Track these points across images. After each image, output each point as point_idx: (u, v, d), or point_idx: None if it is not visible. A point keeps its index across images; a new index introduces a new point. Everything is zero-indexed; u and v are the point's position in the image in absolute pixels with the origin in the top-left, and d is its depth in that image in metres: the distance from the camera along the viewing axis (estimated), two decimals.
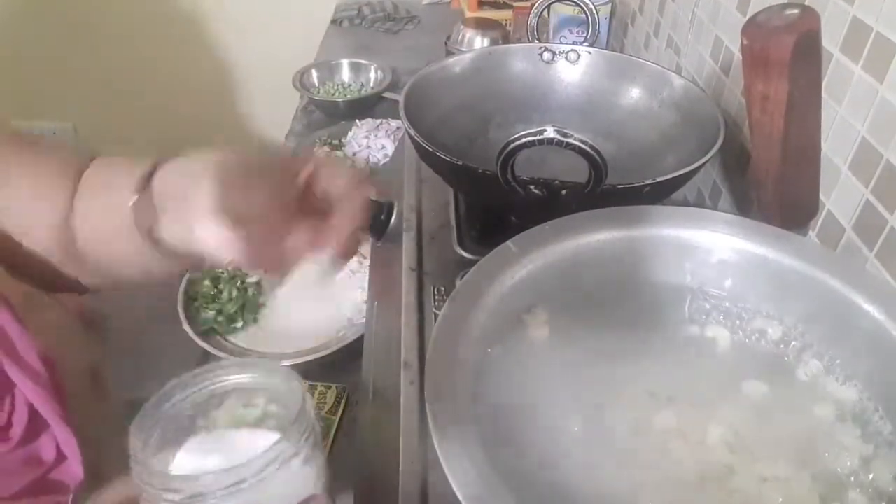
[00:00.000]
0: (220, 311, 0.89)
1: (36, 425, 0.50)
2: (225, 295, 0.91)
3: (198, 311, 0.90)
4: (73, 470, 0.51)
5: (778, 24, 0.48)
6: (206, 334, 0.87)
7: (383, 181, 1.13)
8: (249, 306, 0.92)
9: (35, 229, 0.51)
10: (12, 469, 0.49)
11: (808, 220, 0.60)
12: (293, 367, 0.83)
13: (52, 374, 0.50)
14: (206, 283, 0.93)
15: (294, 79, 1.42)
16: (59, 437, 0.50)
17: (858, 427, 0.44)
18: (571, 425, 0.44)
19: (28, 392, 0.48)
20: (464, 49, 1.29)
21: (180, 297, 0.91)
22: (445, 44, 1.34)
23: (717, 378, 0.48)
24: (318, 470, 0.42)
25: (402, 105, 0.68)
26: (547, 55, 0.80)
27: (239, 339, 0.89)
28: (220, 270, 0.95)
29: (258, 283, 0.95)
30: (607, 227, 0.51)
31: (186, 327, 0.88)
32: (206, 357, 0.86)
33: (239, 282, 0.93)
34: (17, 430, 0.49)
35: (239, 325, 0.89)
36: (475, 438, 0.36)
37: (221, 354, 0.85)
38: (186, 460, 0.41)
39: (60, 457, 0.51)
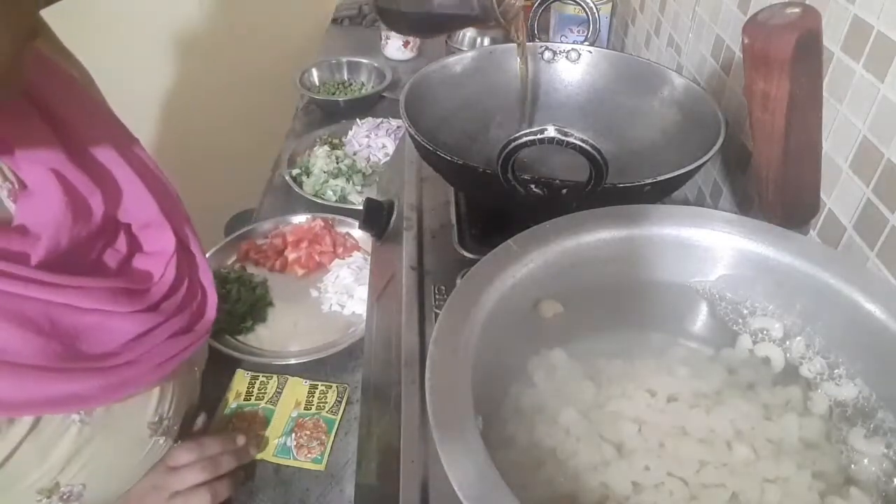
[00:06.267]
0: (229, 312, 0.90)
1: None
2: (234, 295, 0.92)
3: None
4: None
5: (779, 22, 0.48)
6: (215, 333, 0.88)
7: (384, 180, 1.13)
8: (258, 306, 0.92)
9: None
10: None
11: (809, 218, 0.60)
12: (295, 366, 0.84)
13: None
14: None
15: (294, 78, 1.42)
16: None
17: (860, 424, 0.44)
18: (571, 424, 0.44)
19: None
20: (464, 48, 1.29)
21: None
22: (446, 43, 1.34)
23: (718, 377, 0.48)
24: None
25: (402, 104, 0.67)
26: (548, 54, 0.80)
27: (247, 339, 0.89)
28: (227, 271, 0.96)
29: (265, 283, 0.96)
30: (608, 226, 0.51)
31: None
32: (214, 356, 0.86)
33: (247, 282, 0.94)
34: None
35: (248, 324, 0.90)
36: (475, 438, 0.36)
37: (230, 353, 0.85)
38: None
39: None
